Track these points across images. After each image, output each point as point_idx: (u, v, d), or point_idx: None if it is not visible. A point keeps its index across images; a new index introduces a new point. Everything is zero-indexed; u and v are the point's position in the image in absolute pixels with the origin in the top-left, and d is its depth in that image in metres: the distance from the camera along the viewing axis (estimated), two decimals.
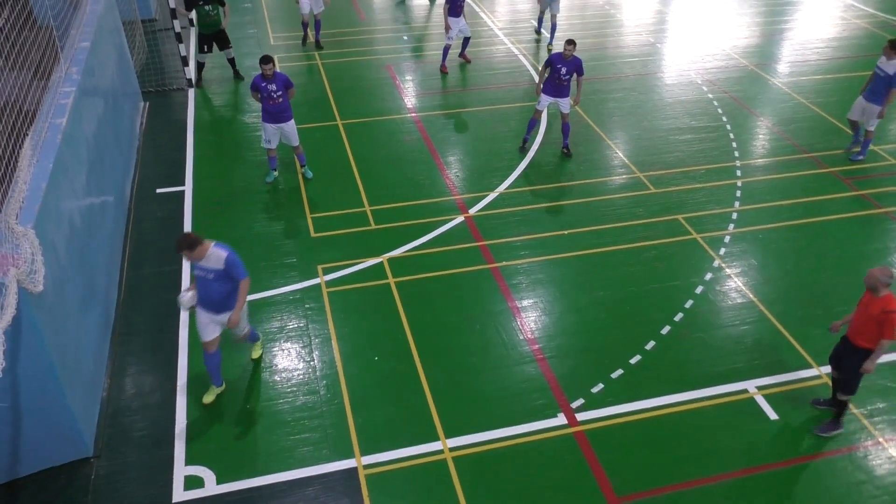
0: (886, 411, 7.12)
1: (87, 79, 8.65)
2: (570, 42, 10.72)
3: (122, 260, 9.01)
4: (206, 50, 13.49)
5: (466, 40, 14.80)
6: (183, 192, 10.40)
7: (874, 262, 9.19)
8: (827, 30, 16.83)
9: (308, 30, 15.34)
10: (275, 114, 10.03)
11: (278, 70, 10.43)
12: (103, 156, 8.97)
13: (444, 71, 14.51)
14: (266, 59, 9.70)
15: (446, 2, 14.07)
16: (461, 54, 15.01)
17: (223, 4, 13.10)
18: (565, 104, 11.14)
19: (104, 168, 8.94)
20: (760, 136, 12.16)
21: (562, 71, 10.83)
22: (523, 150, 11.55)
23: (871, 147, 11.64)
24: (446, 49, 14.48)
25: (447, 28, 14.16)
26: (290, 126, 10.25)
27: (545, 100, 11.17)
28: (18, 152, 6.32)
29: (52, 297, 5.99)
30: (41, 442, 6.08)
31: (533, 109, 11.61)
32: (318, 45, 15.33)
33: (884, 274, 6.09)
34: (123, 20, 12.70)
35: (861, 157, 11.25)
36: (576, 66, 10.84)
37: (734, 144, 11.82)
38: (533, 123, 11.41)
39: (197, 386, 7.25)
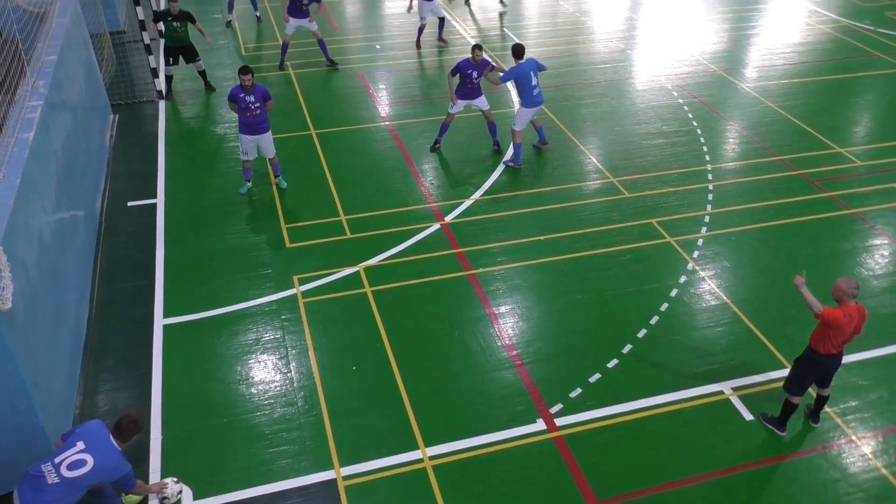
0: (859, 409, 7.24)
1: (55, 92, 8.53)
2: (478, 47, 11.11)
3: (94, 275, 8.88)
4: (171, 63, 13.38)
5: (442, 22, 15.77)
6: (155, 204, 10.29)
7: (845, 261, 9.36)
8: (792, 35, 17.15)
9: (285, 55, 14.97)
10: (252, 125, 9.96)
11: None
12: (73, 170, 8.84)
13: (418, 47, 15.70)
14: (245, 70, 9.61)
15: None
16: (439, 37, 16.05)
17: (193, 21, 12.97)
18: (482, 103, 11.53)
19: (74, 182, 8.81)
20: (730, 140, 12.34)
21: (473, 75, 11.21)
22: (434, 150, 11.85)
23: (840, 150, 11.88)
24: (420, 28, 15.78)
25: (418, 8, 15.61)
26: (268, 138, 10.19)
27: (459, 104, 11.49)
28: None
29: (23, 314, 5.88)
30: (13, 463, 5.94)
31: (504, 115, 11.70)
32: (333, 63, 15.08)
33: (849, 286, 6.22)
34: (91, 33, 12.56)
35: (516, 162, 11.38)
36: (485, 67, 11.27)
37: (705, 148, 11.98)
38: (445, 127, 11.70)
39: (172, 402, 7.15)
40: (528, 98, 10.98)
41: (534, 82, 10.90)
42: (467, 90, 11.32)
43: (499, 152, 11.76)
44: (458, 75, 11.22)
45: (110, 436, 5.45)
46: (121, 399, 7.22)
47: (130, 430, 5.48)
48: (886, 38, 16.73)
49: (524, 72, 10.82)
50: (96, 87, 11.95)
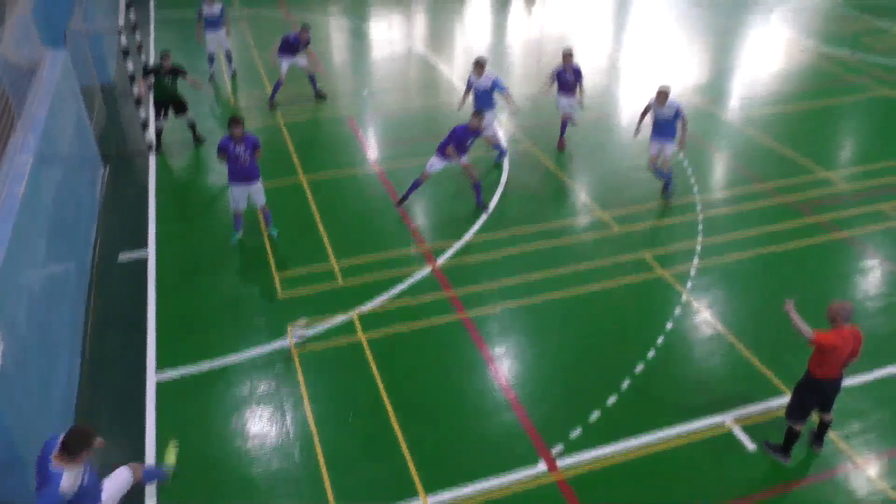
0: (861, 432, 7.18)
1: (45, 145, 8.56)
2: (479, 114, 10.68)
3: (85, 329, 8.79)
4: (163, 115, 13.40)
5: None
6: (146, 257, 10.25)
7: (837, 285, 9.38)
8: (773, 64, 17.45)
9: (276, 95, 15.17)
10: (243, 175, 9.95)
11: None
12: (63, 222, 8.83)
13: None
14: (235, 121, 9.59)
15: None
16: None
17: (185, 74, 13.07)
18: (463, 159, 11.05)
19: (64, 235, 8.80)
20: (717, 170, 12.45)
21: (467, 141, 10.87)
22: (400, 206, 11.31)
23: (826, 175, 11.99)
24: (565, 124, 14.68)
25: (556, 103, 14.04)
26: (258, 187, 10.18)
27: (439, 165, 11.08)
28: None
29: (12, 372, 5.80)
30: None
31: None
32: (321, 95, 15.68)
33: (843, 309, 6.24)
34: (81, 85, 12.66)
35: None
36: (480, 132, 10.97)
37: (692, 179, 12.07)
38: (419, 183, 11.17)
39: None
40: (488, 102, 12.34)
41: None
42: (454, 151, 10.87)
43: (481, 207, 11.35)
44: (455, 141, 10.77)
45: (51, 456, 4.97)
46: (113, 456, 7.04)
47: (75, 443, 4.93)
48: (864, 64, 17.04)
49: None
50: (86, 139, 12.00)
